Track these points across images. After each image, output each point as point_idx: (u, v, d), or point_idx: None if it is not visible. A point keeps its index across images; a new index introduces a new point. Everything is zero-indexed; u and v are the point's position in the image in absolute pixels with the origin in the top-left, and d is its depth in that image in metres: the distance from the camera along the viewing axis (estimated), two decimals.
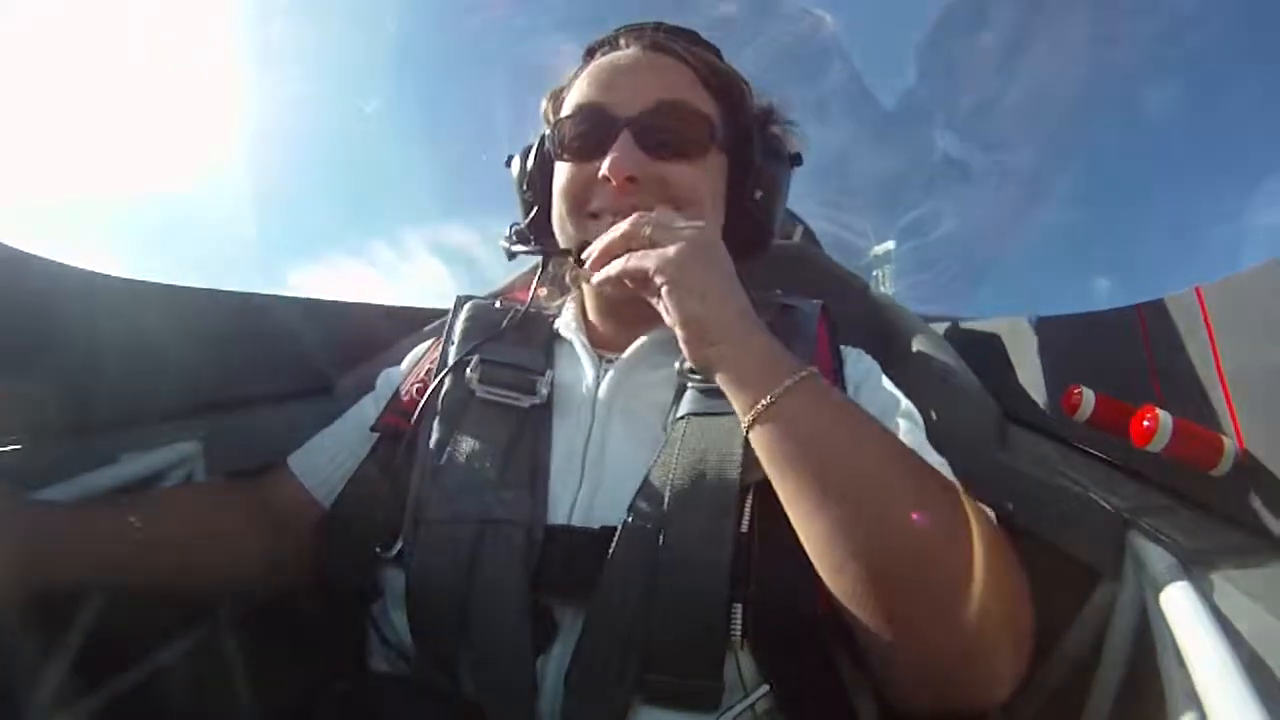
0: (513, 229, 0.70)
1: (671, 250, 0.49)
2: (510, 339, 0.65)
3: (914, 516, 0.42)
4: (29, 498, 0.53)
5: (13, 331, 0.57)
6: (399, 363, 0.74)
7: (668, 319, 0.50)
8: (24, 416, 0.58)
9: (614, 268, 0.52)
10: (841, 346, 0.66)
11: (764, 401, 0.46)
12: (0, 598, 0.46)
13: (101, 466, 0.60)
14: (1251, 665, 0.37)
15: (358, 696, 0.53)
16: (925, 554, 0.42)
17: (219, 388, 0.79)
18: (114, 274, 0.67)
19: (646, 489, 0.51)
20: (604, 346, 0.64)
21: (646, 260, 0.50)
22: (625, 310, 0.66)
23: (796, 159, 0.69)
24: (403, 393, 0.65)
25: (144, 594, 0.57)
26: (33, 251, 0.59)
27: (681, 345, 0.50)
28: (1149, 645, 0.46)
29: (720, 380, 0.49)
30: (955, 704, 0.43)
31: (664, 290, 0.49)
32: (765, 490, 0.49)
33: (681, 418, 0.54)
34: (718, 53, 0.68)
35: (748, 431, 0.47)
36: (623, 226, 0.52)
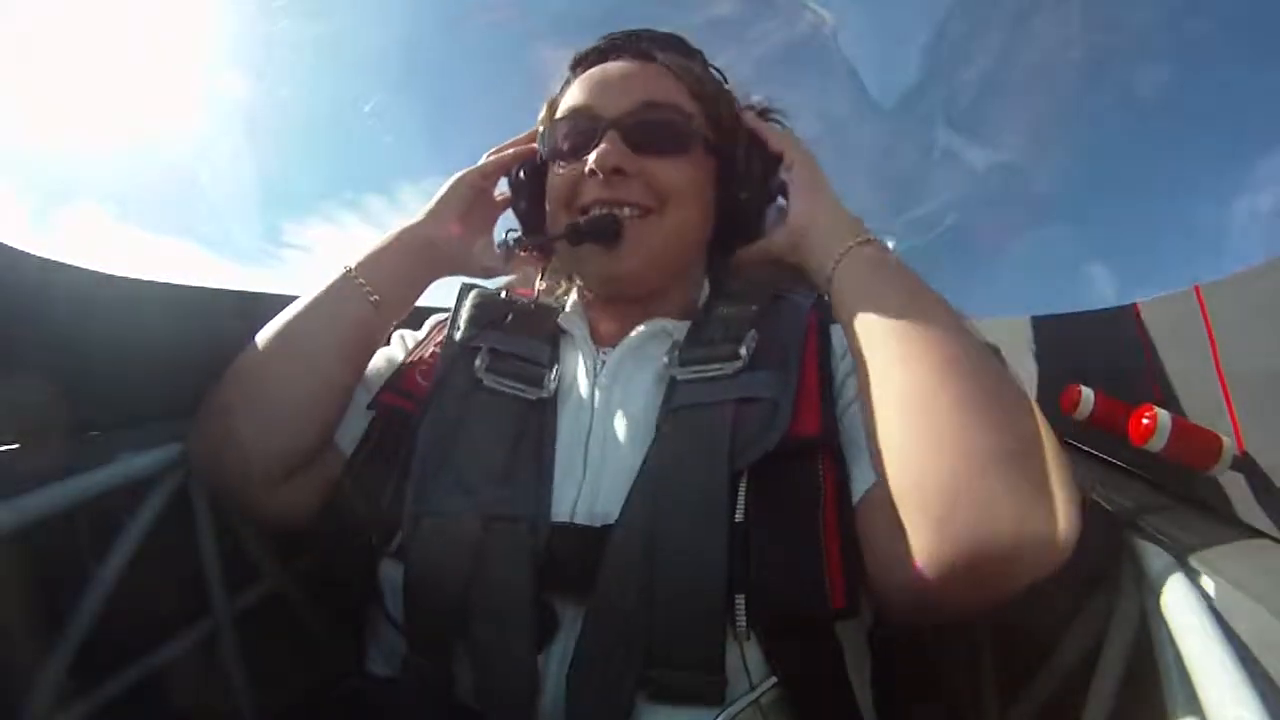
0: (507, 234, 0.72)
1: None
2: (516, 329, 0.65)
3: (973, 354, 0.47)
4: None
5: (7, 330, 0.56)
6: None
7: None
8: (18, 416, 0.58)
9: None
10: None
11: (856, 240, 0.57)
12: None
13: (97, 467, 0.60)
14: (1251, 664, 0.37)
15: (357, 697, 0.53)
16: (997, 392, 0.46)
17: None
18: (110, 272, 0.67)
19: (640, 484, 0.51)
20: (603, 340, 0.65)
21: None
22: (623, 304, 0.66)
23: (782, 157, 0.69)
24: (404, 374, 0.64)
25: (147, 595, 0.57)
26: (27, 249, 0.58)
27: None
28: (1148, 644, 0.46)
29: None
30: (997, 573, 0.41)
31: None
32: (758, 478, 0.50)
33: (672, 411, 0.55)
34: (703, 58, 0.69)
35: (842, 259, 0.57)
36: None
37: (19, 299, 0.57)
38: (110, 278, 0.67)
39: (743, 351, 0.56)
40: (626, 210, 0.60)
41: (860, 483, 0.50)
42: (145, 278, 0.70)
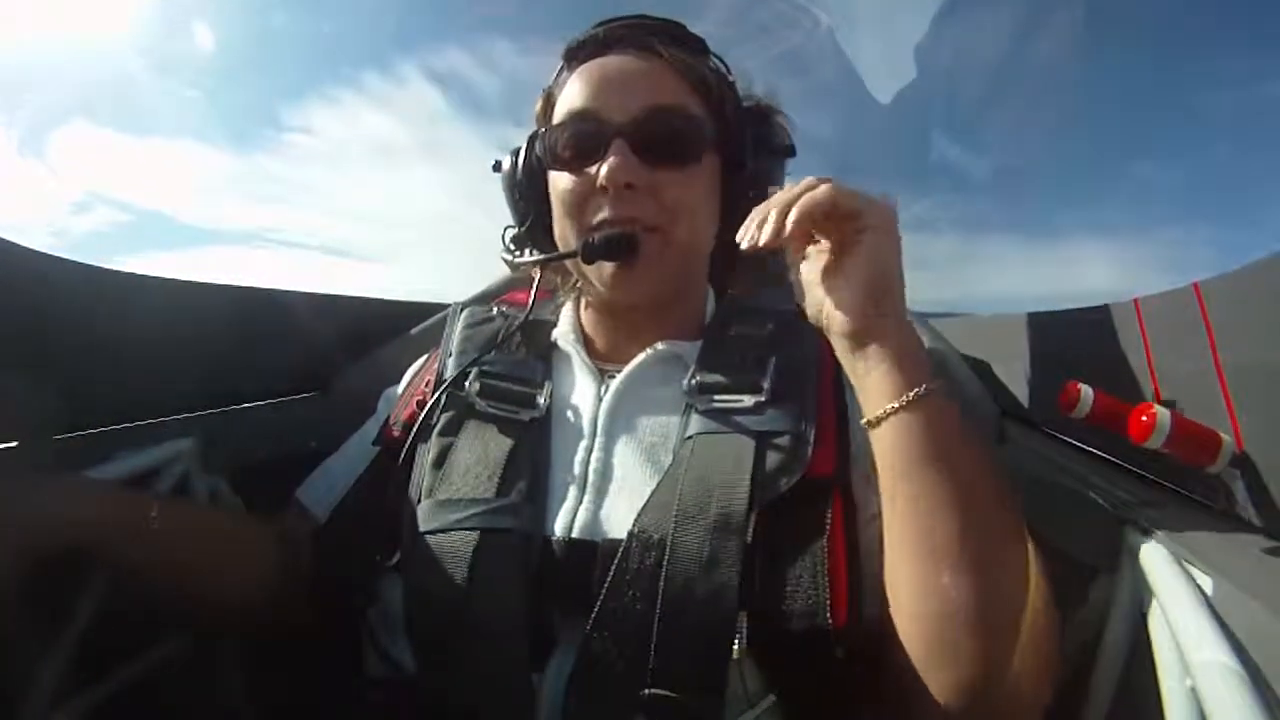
0: (506, 232, 0.69)
1: (881, 201, 0.47)
2: (508, 350, 0.64)
3: (1014, 541, 0.45)
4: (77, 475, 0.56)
5: (6, 327, 0.56)
6: (396, 364, 0.74)
7: (853, 271, 0.47)
8: (19, 414, 0.57)
9: (812, 198, 0.46)
10: None
11: (920, 390, 0.45)
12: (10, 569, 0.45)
13: (98, 464, 0.60)
14: (1247, 659, 0.37)
15: (357, 700, 0.53)
16: (1018, 578, 0.44)
17: (214, 384, 0.79)
18: (108, 268, 0.67)
19: (653, 505, 0.50)
20: (603, 359, 0.64)
21: (856, 199, 0.46)
22: (626, 320, 0.65)
23: (789, 150, 0.67)
24: (402, 407, 0.65)
25: (146, 593, 0.57)
26: (27, 245, 0.58)
27: (849, 303, 0.47)
28: (1146, 641, 0.47)
29: (873, 353, 0.47)
30: None
31: (867, 234, 0.46)
32: (769, 507, 0.50)
33: (689, 437, 0.54)
34: (704, 46, 0.66)
35: (891, 415, 0.45)
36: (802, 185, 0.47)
37: (14, 295, 0.57)
38: (110, 273, 0.67)
39: (765, 384, 0.56)
40: (639, 227, 0.58)
41: (867, 516, 0.52)
42: (144, 273, 0.70)
